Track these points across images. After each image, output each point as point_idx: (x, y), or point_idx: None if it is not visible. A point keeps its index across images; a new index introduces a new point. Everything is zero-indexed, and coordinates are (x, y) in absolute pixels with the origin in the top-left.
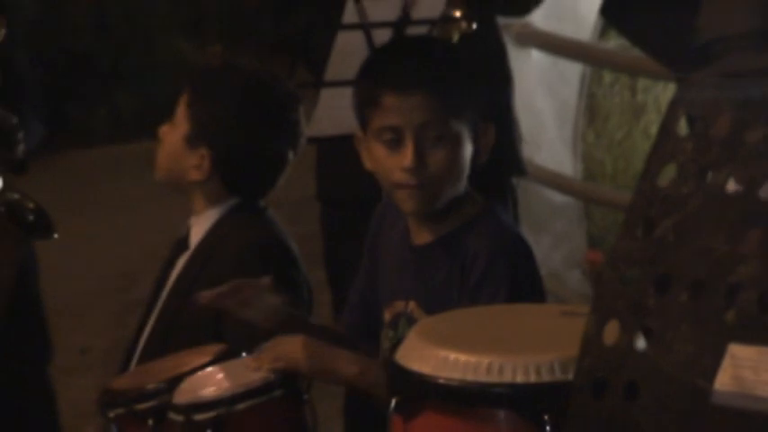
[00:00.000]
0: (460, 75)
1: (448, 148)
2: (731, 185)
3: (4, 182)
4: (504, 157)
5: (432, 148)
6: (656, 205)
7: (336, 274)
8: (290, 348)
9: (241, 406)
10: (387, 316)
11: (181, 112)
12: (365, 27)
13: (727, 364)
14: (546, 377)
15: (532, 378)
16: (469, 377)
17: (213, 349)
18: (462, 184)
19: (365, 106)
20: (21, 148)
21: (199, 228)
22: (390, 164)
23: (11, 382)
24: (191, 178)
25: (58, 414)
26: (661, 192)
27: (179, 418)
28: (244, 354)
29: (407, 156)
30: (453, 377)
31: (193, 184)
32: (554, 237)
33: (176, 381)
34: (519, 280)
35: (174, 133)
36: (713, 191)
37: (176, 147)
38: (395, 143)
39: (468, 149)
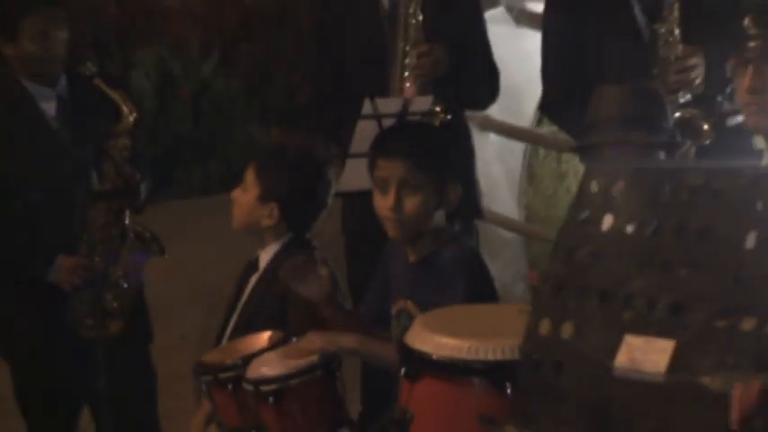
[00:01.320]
0: (430, 148)
1: (420, 195)
2: (629, 227)
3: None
4: (470, 207)
5: (407, 196)
6: (575, 239)
7: (356, 285)
8: (310, 341)
9: (293, 381)
10: (394, 310)
11: (251, 178)
12: (377, 117)
13: (624, 348)
14: (509, 356)
15: (499, 356)
16: (456, 355)
17: (272, 335)
18: (430, 222)
19: (370, 166)
20: (143, 196)
21: (266, 255)
22: (381, 204)
23: (122, 356)
24: (264, 225)
25: (156, 378)
26: (579, 230)
27: (250, 387)
28: (294, 339)
29: (390, 199)
30: (444, 355)
31: (265, 228)
32: (504, 261)
33: (248, 358)
34: (473, 287)
35: (246, 195)
36: (615, 230)
37: (250, 204)
38: (385, 190)
39: (434, 199)
